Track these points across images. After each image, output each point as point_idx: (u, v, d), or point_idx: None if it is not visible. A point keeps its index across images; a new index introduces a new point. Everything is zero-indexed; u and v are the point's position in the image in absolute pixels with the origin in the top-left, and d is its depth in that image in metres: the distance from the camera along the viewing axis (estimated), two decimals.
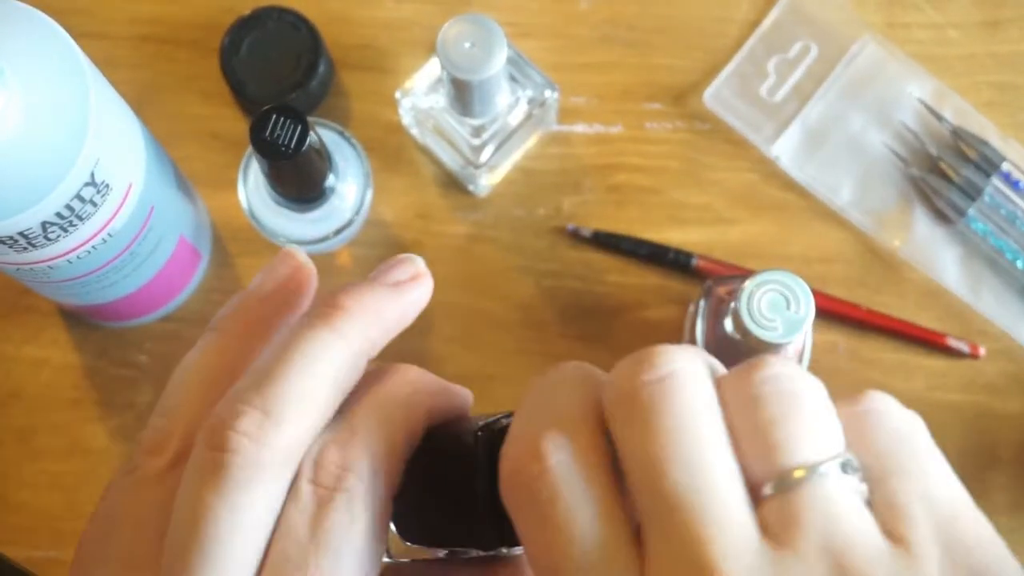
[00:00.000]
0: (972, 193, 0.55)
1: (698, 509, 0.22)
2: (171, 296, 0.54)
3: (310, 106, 0.56)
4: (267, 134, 0.44)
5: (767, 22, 0.58)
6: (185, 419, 0.28)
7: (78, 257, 0.43)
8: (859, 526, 0.23)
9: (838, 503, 0.23)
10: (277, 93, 0.55)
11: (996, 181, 0.55)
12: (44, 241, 0.40)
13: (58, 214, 0.39)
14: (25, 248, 0.40)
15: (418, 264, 0.31)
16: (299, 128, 0.44)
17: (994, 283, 0.56)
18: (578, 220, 0.56)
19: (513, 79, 0.53)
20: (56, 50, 0.38)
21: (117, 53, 0.57)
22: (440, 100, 0.53)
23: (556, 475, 0.23)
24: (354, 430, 0.27)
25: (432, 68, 0.54)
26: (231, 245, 0.56)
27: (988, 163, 0.55)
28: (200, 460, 0.25)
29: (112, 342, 0.55)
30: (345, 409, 0.27)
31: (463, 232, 0.56)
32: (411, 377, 0.29)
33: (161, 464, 0.28)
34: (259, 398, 0.25)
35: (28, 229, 0.39)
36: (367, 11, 0.58)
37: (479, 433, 0.28)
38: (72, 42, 0.39)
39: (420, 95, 0.54)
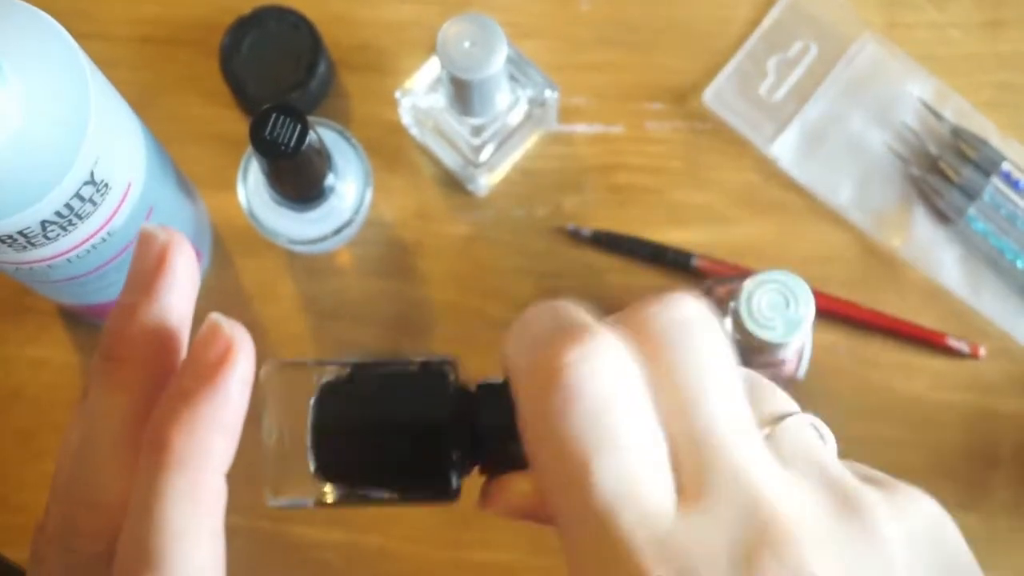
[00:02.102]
0: (972, 193, 0.55)
1: (743, 453, 0.24)
2: None
3: (310, 106, 0.56)
4: (267, 134, 0.44)
5: (767, 21, 0.58)
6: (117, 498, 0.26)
7: (77, 256, 0.43)
8: (839, 466, 0.25)
9: (818, 441, 0.26)
10: (277, 93, 0.55)
11: (996, 181, 0.55)
12: (43, 240, 0.40)
13: (58, 213, 0.39)
14: (25, 247, 0.40)
15: (225, 332, 0.26)
16: (299, 128, 0.44)
17: (994, 283, 0.56)
18: (578, 220, 0.56)
19: (513, 79, 0.53)
20: (56, 49, 0.38)
21: (117, 53, 0.57)
22: (440, 100, 0.53)
23: (604, 378, 0.23)
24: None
25: (432, 68, 0.54)
26: (231, 245, 0.56)
27: (988, 163, 0.55)
28: None
29: None
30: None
31: (463, 232, 0.56)
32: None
33: (101, 550, 0.26)
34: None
35: (27, 228, 0.39)
36: (367, 11, 0.58)
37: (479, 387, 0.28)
38: (72, 41, 0.39)
39: (420, 95, 0.54)
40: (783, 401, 0.26)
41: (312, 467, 0.27)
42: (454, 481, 0.27)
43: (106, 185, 0.41)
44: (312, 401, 0.28)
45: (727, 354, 0.25)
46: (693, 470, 0.23)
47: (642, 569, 0.22)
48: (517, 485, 0.27)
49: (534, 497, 0.27)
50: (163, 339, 0.27)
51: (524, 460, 0.25)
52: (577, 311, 0.25)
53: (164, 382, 0.26)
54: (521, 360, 0.25)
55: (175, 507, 0.24)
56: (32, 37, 0.38)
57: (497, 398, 0.27)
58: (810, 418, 0.26)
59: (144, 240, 0.27)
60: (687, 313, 0.25)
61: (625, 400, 0.23)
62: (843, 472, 0.25)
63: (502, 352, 0.26)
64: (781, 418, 0.25)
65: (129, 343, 0.26)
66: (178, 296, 0.27)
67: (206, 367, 0.25)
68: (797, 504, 0.23)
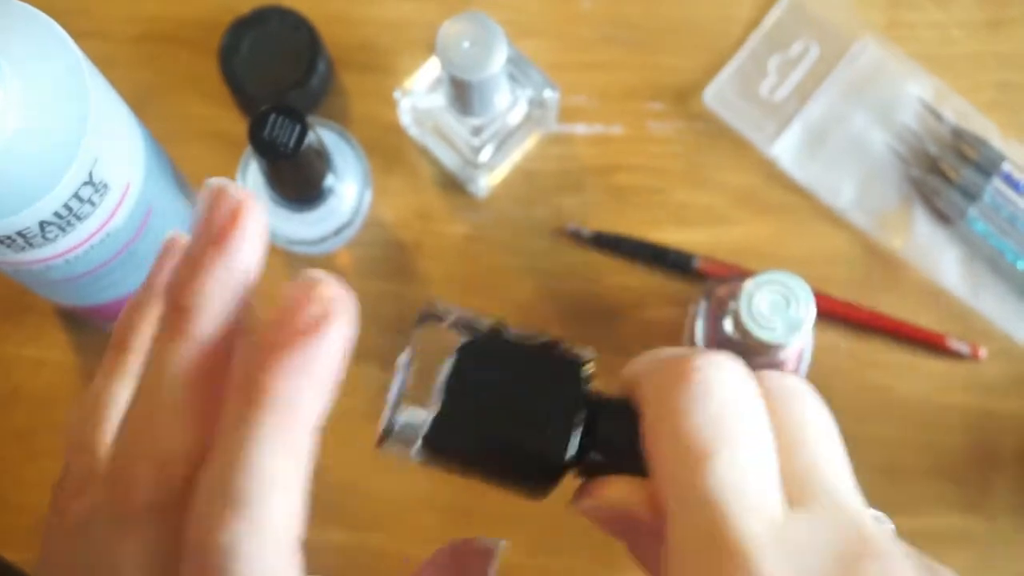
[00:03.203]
0: (973, 194, 0.55)
1: (842, 475, 0.26)
2: None
3: (309, 106, 0.56)
4: (266, 134, 0.44)
5: (768, 21, 0.58)
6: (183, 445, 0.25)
7: (76, 257, 0.43)
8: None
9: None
10: (276, 93, 0.55)
11: (997, 182, 0.55)
12: (42, 240, 0.40)
13: (56, 214, 0.39)
14: (23, 248, 0.40)
15: (322, 292, 0.26)
16: (298, 128, 0.44)
17: (995, 284, 0.56)
18: (578, 221, 0.56)
19: (513, 79, 0.53)
20: (55, 49, 0.38)
21: (116, 52, 0.57)
22: (440, 100, 0.53)
23: (737, 397, 0.25)
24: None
25: (432, 68, 0.54)
26: None
27: (989, 164, 0.55)
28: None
29: None
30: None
31: (463, 233, 0.56)
32: None
33: (154, 500, 0.25)
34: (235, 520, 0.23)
35: (26, 228, 0.39)
36: (366, 10, 0.58)
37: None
38: (71, 41, 0.39)
39: (419, 95, 0.54)
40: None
41: (427, 427, 0.28)
42: (557, 481, 0.28)
43: (105, 186, 0.41)
44: (449, 362, 0.28)
45: (830, 418, 0.27)
46: (800, 481, 0.25)
47: (752, 556, 0.23)
48: (617, 485, 0.27)
49: (632, 498, 0.27)
50: (234, 291, 0.26)
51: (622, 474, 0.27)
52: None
53: (233, 336, 0.26)
54: (652, 369, 0.27)
55: (268, 453, 0.24)
56: (31, 37, 0.38)
57: (623, 413, 0.27)
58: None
59: (216, 194, 0.26)
60: (797, 382, 0.27)
61: (747, 405, 0.25)
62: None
63: (626, 372, 0.28)
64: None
65: (198, 293, 0.26)
66: (249, 253, 0.27)
67: (305, 323, 0.25)
68: (888, 539, 0.25)
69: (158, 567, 0.24)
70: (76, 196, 0.39)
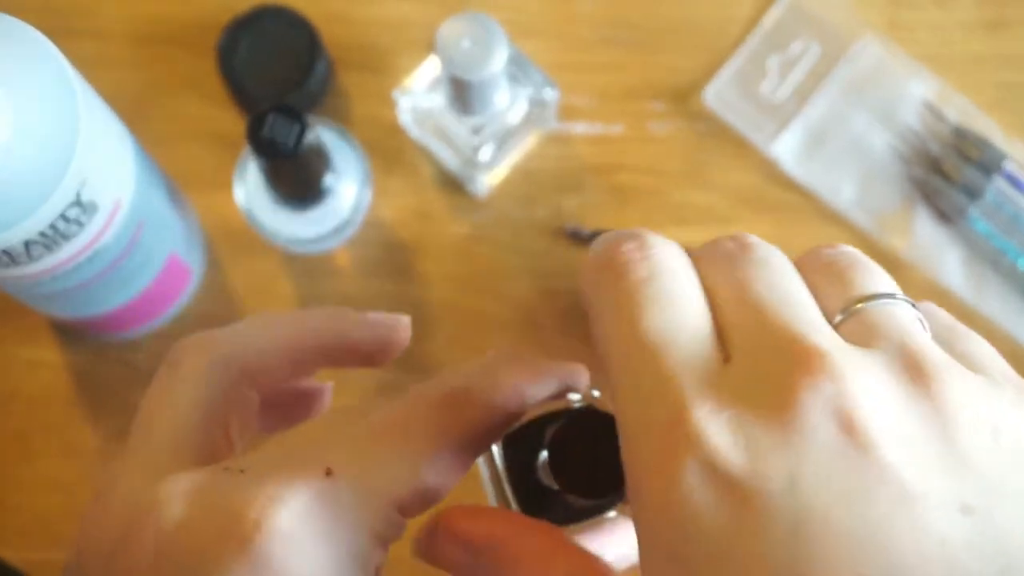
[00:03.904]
0: (974, 193, 0.55)
1: (788, 313, 0.24)
2: (162, 309, 0.53)
3: (309, 105, 0.56)
4: (265, 133, 0.44)
5: (768, 21, 0.58)
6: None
7: (63, 273, 0.42)
8: (930, 342, 0.24)
9: (912, 321, 0.24)
10: (275, 92, 0.55)
11: (999, 181, 0.55)
12: (27, 259, 0.40)
13: (41, 233, 0.39)
14: (7, 265, 0.40)
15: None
16: (297, 127, 0.44)
17: (997, 284, 0.55)
18: (578, 220, 0.56)
19: (513, 78, 0.53)
20: (46, 68, 0.37)
21: (114, 53, 0.57)
22: (439, 99, 0.53)
23: (657, 258, 0.25)
24: None
25: (431, 67, 0.54)
26: (229, 245, 0.56)
27: (990, 163, 0.55)
28: None
29: (109, 344, 0.55)
30: None
31: (462, 232, 0.56)
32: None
33: None
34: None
35: (10, 247, 0.38)
36: (366, 10, 0.58)
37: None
38: (63, 60, 0.38)
39: (419, 94, 0.54)
40: (882, 283, 0.25)
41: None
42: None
43: (93, 206, 0.40)
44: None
45: (779, 255, 0.26)
46: (739, 336, 0.24)
47: (682, 402, 0.23)
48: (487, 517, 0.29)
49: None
50: None
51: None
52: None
53: None
54: (589, 260, 0.27)
55: None
56: (22, 55, 0.37)
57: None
58: (909, 302, 0.25)
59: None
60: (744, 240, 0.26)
61: (678, 271, 0.25)
62: (930, 348, 0.24)
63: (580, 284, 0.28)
64: (872, 298, 0.25)
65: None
66: None
67: None
68: (855, 362, 0.23)
69: None
70: (63, 216, 0.39)
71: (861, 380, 0.22)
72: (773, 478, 0.21)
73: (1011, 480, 0.22)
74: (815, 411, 0.22)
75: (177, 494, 0.26)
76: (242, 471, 0.27)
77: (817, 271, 0.26)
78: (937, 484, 0.21)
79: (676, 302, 0.24)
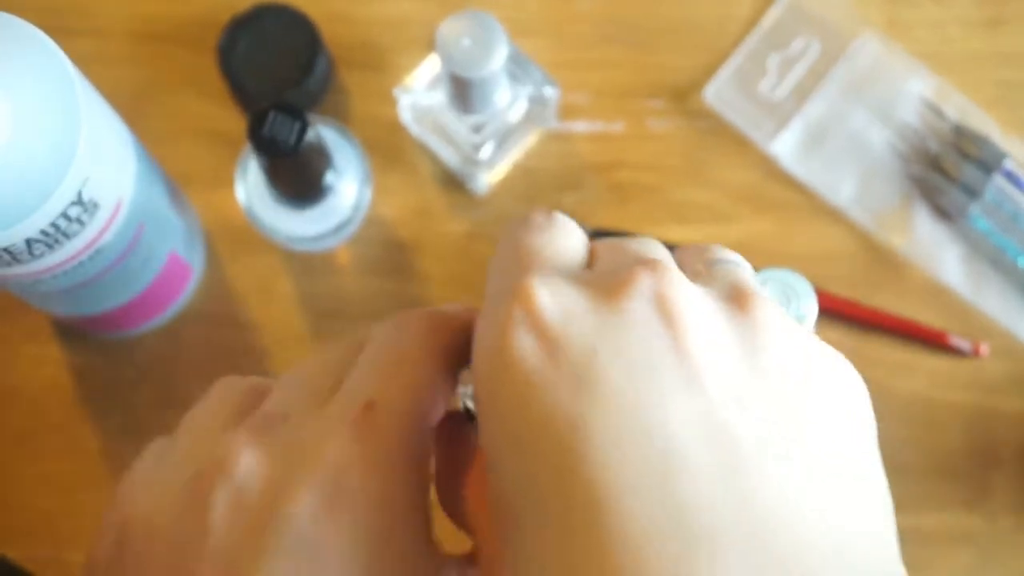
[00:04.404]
0: (974, 191, 0.55)
1: (649, 250, 0.28)
2: (163, 307, 0.53)
3: (309, 103, 0.56)
4: (265, 131, 0.44)
5: (768, 19, 0.58)
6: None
7: (64, 272, 0.42)
8: (759, 286, 0.27)
9: (749, 275, 0.28)
10: (276, 91, 0.55)
11: (998, 179, 0.55)
12: (28, 257, 0.40)
13: (43, 232, 0.39)
14: (9, 263, 0.40)
15: None
16: (298, 125, 0.44)
17: (996, 281, 0.56)
18: (579, 218, 0.55)
19: (513, 76, 0.53)
20: (48, 67, 0.37)
21: (115, 51, 0.57)
22: (439, 97, 0.53)
23: (558, 214, 0.30)
24: None
25: (432, 65, 0.54)
26: (229, 243, 0.56)
27: (990, 161, 0.55)
28: None
29: (111, 342, 0.55)
30: None
31: (463, 230, 0.56)
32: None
33: None
34: None
35: (12, 245, 0.39)
36: (366, 8, 0.58)
37: None
38: (65, 58, 0.38)
39: (419, 92, 0.54)
40: (732, 256, 0.29)
41: None
42: None
43: (95, 205, 0.40)
44: None
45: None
46: (601, 262, 0.28)
47: (526, 273, 0.26)
48: None
49: None
50: None
51: None
52: None
53: None
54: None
55: None
56: (23, 54, 0.37)
57: None
58: (751, 270, 0.29)
59: None
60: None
61: (569, 225, 0.29)
62: (756, 286, 0.27)
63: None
64: (719, 262, 0.28)
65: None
66: None
67: None
68: (689, 279, 0.26)
69: None
70: (64, 215, 0.39)
71: (689, 286, 0.25)
72: (578, 331, 0.24)
73: (791, 394, 0.25)
74: (639, 295, 0.25)
75: (241, 443, 0.27)
76: (286, 416, 0.28)
77: (686, 250, 0.30)
78: (727, 376, 0.24)
79: (556, 235, 0.28)
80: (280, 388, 0.29)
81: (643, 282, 0.25)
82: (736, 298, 0.26)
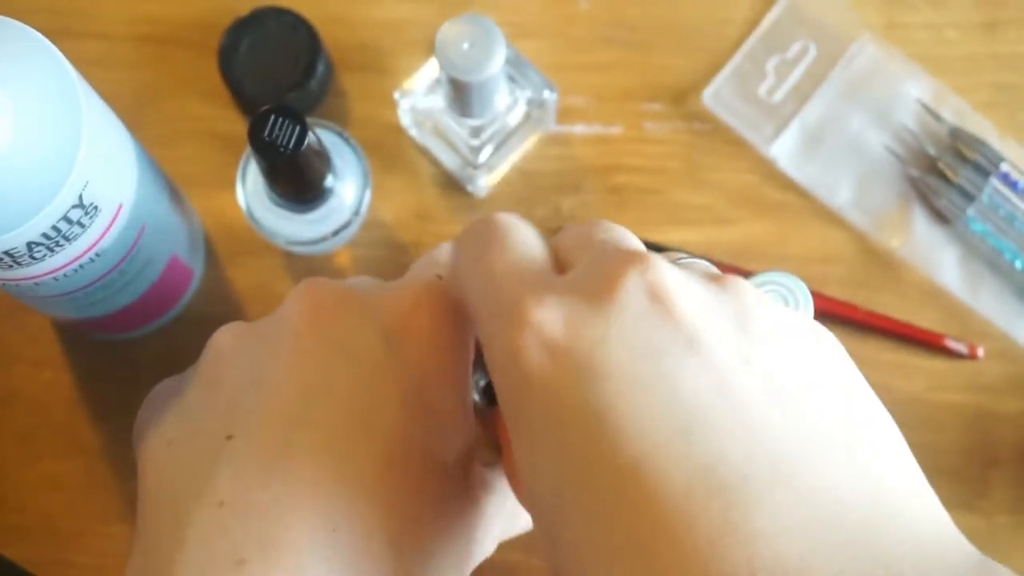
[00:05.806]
0: (971, 194, 0.55)
1: (619, 238, 0.32)
2: (163, 310, 0.53)
3: (309, 106, 0.56)
4: (266, 134, 0.44)
5: (766, 22, 0.58)
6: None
7: (65, 275, 0.42)
8: (675, 270, 0.29)
9: (713, 269, 0.31)
10: (276, 93, 0.55)
11: (995, 182, 0.55)
12: (29, 260, 0.40)
13: (44, 235, 0.39)
14: (11, 266, 0.40)
15: None
16: (298, 128, 0.44)
17: (993, 284, 0.56)
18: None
19: (512, 79, 0.53)
20: (49, 71, 0.38)
21: (115, 53, 0.57)
22: (439, 101, 0.53)
23: (508, 220, 0.32)
24: None
25: (431, 68, 0.54)
26: (229, 245, 0.56)
27: (987, 164, 0.55)
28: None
29: (111, 344, 0.55)
30: None
31: None
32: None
33: None
34: None
35: (13, 248, 0.39)
36: (366, 11, 0.58)
37: None
38: (66, 62, 0.38)
39: (419, 95, 0.54)
40: (698, 259, 0.32)
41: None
42: None
43: (95, 208, 0.40)
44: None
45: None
46: (574, 257, 0.30)
47: (520, 294, 0.28)
48: None
49: None
50: None
51: None
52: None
53: None
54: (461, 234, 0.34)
55: None
56: (25, 58, 0.37)
57: None
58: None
59: None
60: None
61: (520, 227, 0.32)
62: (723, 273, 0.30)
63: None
64: (688, 256, 0.32)
65: None
66: None
67: None
68: (672, 264, 0.28)
69: None
70: (65, 218, 0.39)
71: (674, 270, 0.28)
72: (585, 338, 0.27)
73: (786, 352, 0.28)
74: (631, 289, 0.27)
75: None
76: (365, 293, 0.34)
77: (568, 229, 0.33)
78: (726, 339, 0.27)
79: (518, 246, 0.31)
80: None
81: (631, 279, 0.27)
82: (714, 278, 0.29)
